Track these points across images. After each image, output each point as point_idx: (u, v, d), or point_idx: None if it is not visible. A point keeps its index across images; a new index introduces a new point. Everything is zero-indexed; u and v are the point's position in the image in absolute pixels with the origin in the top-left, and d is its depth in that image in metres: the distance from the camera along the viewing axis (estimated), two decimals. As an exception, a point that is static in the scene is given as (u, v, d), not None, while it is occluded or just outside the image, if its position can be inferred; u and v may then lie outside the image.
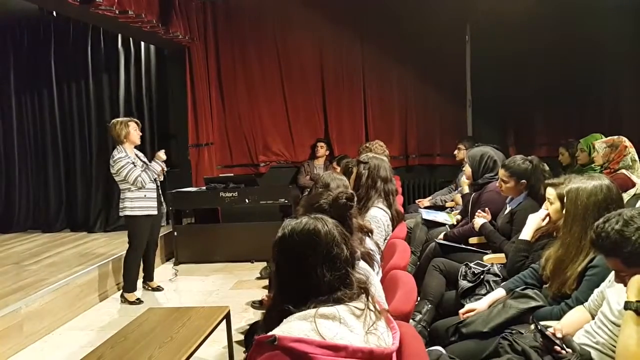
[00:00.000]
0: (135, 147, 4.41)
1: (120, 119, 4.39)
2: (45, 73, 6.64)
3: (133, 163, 4.23)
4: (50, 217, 6.71)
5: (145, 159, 4.46)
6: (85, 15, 4.85)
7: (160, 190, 4.51)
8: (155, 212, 4.39)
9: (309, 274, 1.30)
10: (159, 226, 4.72)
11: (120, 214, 4.37)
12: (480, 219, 3.26)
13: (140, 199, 4.27)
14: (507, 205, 3.19)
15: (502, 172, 3.12)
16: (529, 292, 2.23)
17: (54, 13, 6.38)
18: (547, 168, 5.14)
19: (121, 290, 4.44)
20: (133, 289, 4.38)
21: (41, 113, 6.75)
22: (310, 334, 1.19)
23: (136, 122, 4.39)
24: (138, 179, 4.19)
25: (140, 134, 4.40)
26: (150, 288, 4.61)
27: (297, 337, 1.18)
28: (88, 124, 6.63)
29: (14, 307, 3.54)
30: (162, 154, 4.45)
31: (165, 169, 4.51)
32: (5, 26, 6.62)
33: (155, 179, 4.40)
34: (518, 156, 3.16)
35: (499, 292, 2.40)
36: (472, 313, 2.32)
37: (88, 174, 6.65)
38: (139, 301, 4.33)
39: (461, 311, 2.37)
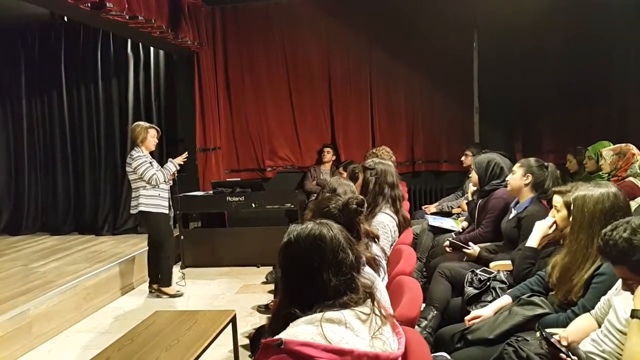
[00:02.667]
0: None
1: (142, 123, 4.61)
2: (56, 77, 6.71)
3: (150, 163, 4.45)
4: (59, 220, 6.76)
5: (156, 164, 4.60)
6: (96, 21, 4.90)
7: (169, 194, 4.65)
8: (167, 211, 4.55)
9: (314, 278, 1.31)
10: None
11: (133, 211, 4.52)
12: (475, 249, 3.24)
13: (155, 197, 4.47)
14: (513, 209, 3.18)
15: (515, 165, 3.19)
16: (535, 299, 2.23)
17: (65, 18, 6.46)
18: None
19: (156, 285, 4.61)
20: (169, 283, 4.59)
21: (51, 117, 6.82)
22: (317, 338, 1.20)
23: (156, 130, 4.59)
24: (153, 177, 4.39)
25: (156, 142, 4.59)
26: (155, 290, 4.64)
27: (303, 340, 1.19)
28: (97, 128, 6.69)
29: (23, 308, 3.57)
30: (180, 159, 4.64)
31: (176, 175, 4.67)
32: (17, 30, 6.70)
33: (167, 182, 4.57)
34: (534, 158, 3.22)
35: (505, 299, 2.40)
36: (477, 320, 2.32)
37: (96, 177, 6.70)
38: (179, 293, 4.58)
39: (467, 318, 2.37)
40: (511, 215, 3.17)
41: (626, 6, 5.51)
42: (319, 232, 1.36)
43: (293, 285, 1.36)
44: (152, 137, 4.51)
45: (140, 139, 4.46)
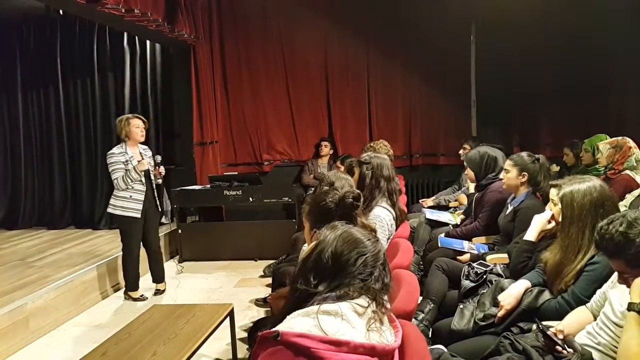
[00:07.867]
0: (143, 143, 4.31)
1: (124, 116, 4.28)
2: (51, 71, 6.67)
3: (125, 162, 4.08)
4: (56, 214, 6.75)
5: (149, 157, 4.31)
6: (92, 14, 4.87)
7: (155, 192, 4.33)
8: (138, 216, 4.16)
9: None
10: (155, 228, 4.47)
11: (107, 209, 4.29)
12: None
13: (125, 199, 4.13)
14: (509, 204, 3.20)
15: (506, 163, 3.18)
16: (541, 290, 2.23)
17: (61, 11, 6.41)
18: (556, 168, 5.22)
19: (124, 289, 4.41)
20: (134, 287, 4.34)
21: (47, 111, 6.79)
22: (313, 329, 1.21)
23: (141, 119, 4.24)
24: (116, 180, 4.07)
25: (143, 132, 4.21)
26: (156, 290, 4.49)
27: (299, 332, 1.20)
28: (93, 122, 6.66)
29: (20, 302, 3.57)
30: (145, 162, 4.16)
31: (161, 172, 4.33)
32: (12, 24, 6.65)
33: (151, 181, 4.27)
34: (525, 152, 3.21)
35: (526, 284, 2.29)
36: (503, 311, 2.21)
37: (93, 171, 6.69)
38: (142, 297, 4.35)
39: (499, 315, 2.22)
40: (508, 211, 3.18)
41: (625, 3, 5.50)
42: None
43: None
44: (135, 128, 4.12)
45: (125, 133, 4.12)
